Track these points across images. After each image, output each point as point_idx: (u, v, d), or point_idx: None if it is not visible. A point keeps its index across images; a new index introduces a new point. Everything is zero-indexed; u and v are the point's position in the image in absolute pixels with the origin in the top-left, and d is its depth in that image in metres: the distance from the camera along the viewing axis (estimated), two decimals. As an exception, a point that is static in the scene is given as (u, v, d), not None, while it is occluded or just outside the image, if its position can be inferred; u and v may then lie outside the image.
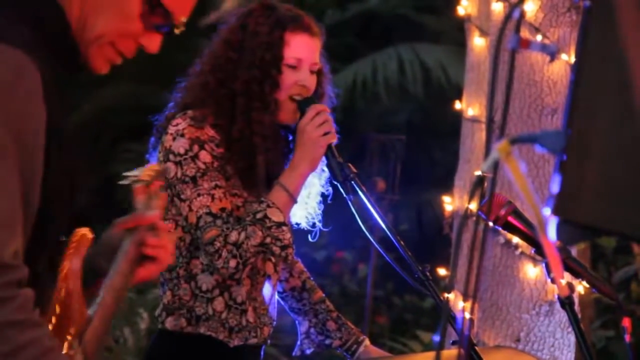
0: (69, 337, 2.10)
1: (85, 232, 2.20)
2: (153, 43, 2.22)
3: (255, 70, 3.15)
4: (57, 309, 2.11)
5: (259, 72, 3.15)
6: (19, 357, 1.91)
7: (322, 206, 3.34)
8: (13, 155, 1.94)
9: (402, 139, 7.28)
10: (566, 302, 2.85)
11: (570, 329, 4.08)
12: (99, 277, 2.23)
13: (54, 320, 2.10)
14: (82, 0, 2.14)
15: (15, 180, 1.94)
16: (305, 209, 3.32)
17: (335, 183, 3.16)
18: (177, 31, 2.23)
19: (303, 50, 3.18)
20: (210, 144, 3.11)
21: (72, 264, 2.13)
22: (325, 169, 3.23)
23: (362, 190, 3.08)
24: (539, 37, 4.15)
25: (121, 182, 2.35)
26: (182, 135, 3.10)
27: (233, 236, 3.04)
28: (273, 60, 3.16)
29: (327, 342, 3.38)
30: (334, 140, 3.15)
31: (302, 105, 3.17)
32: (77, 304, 2.13)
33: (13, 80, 1.96)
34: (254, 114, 3.14)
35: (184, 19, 2.22)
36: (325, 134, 3.13)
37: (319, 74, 3.24)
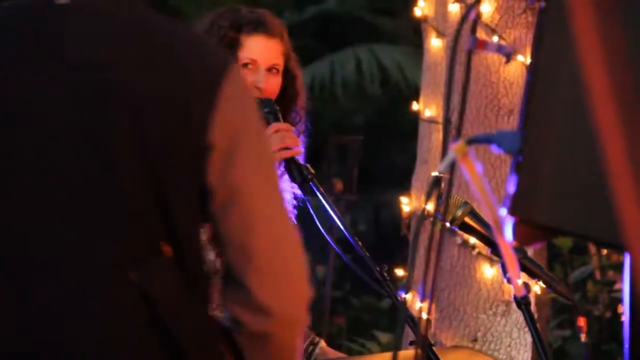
0: None
1: None
2: None
3: None
4: None
5: None
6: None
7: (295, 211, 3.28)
8: None
9: (360, 139, 7.28)
10: (522, 302, 2.86)
11: (526, 329, 4.10)
12: None
13: None
14: None
15: None
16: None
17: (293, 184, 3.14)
18: None
19: (258, 51, 3.16)
20: None
21: None
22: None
23: (320, 192, 3.07)
24: (495, 38, 4.17)
25: None
26: None
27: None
28: None
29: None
30: (292, 155, 3.08)
31: (260, 105, 3.15)
32: None
33: None
34: None
35: None
36: (284, 149, 3.07)
37: (285, 74, 3.22)
